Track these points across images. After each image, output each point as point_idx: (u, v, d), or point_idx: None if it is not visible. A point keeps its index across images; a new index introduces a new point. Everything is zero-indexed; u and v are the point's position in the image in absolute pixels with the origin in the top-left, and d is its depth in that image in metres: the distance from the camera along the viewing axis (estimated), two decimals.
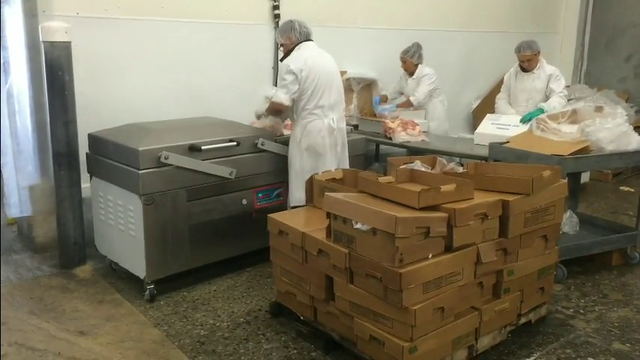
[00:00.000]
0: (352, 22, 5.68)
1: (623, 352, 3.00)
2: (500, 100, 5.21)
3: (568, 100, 5.16)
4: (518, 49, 4.90)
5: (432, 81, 5.53)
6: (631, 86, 7.78)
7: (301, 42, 3.86)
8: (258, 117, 4.18)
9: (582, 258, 3.96)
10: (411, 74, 5.60)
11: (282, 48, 4.00)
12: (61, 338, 3.07)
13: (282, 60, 3.95)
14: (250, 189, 3.86)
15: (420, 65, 5.55)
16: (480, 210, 2.63)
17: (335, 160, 3.92)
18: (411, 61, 5.52)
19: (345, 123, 4.12)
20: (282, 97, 3.75)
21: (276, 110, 3.89)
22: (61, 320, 3.27)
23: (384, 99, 5.59)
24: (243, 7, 4.93)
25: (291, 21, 3.90)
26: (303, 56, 3.79)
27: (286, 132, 4.18)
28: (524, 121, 4.50)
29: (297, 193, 3.84)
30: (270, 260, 3.23)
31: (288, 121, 4.18)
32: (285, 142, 3.98)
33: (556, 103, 4.68)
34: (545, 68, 4.89)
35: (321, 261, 2.80)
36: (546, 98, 4.87)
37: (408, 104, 5.54)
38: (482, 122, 4.93)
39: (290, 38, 3.87)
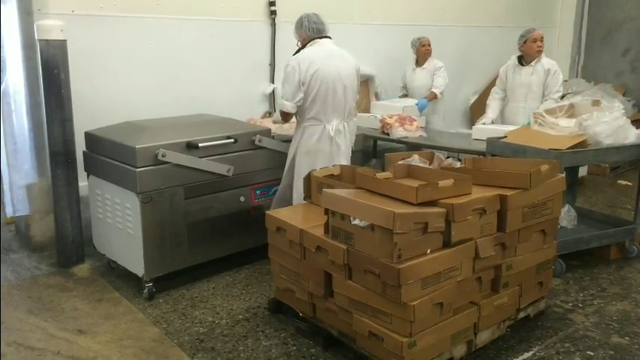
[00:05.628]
0: (349, 18, 5.67)
1: (622, 345, 3.00)
2: (493, 96, 5.08)
3: (565, 95, 5.13)
4: (528, 31, 4.74)
5: (446, 74, 5.56)
6: (628, 80, 7.80)
7: (313, 39, 3.71)
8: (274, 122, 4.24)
9: (581, 252, 3.96)
10: (421, 64, 5.59)
11: (298, 44, 3.85)
12: (59, 337, 3.07)
13: (293, 55, 3.78)
14: (248, 186, 3.86)
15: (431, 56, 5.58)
16: (478, 205, 2.63)
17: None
18: (430, 48, 5.54)
19: (353, 125, 3.89)
20: (288, 106, 3.65)
21: (284, 115, 3.77)
22: (60, 319, 3.26)
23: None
24: (240, 4, 4.92)
25: (301, 17, 3.76)
26: (309, 57, 3.62)
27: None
28: None
29: (300, 194, 3.79)
30: (269, 257, 3.23)
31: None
32: (286, 140, 3.95)
33: None
34: (544, 62, 4.77)
35: (319, 257, 2.80)
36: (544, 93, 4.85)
37: (433, 97, 5.51)
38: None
39: (300, 35, 3.76)
